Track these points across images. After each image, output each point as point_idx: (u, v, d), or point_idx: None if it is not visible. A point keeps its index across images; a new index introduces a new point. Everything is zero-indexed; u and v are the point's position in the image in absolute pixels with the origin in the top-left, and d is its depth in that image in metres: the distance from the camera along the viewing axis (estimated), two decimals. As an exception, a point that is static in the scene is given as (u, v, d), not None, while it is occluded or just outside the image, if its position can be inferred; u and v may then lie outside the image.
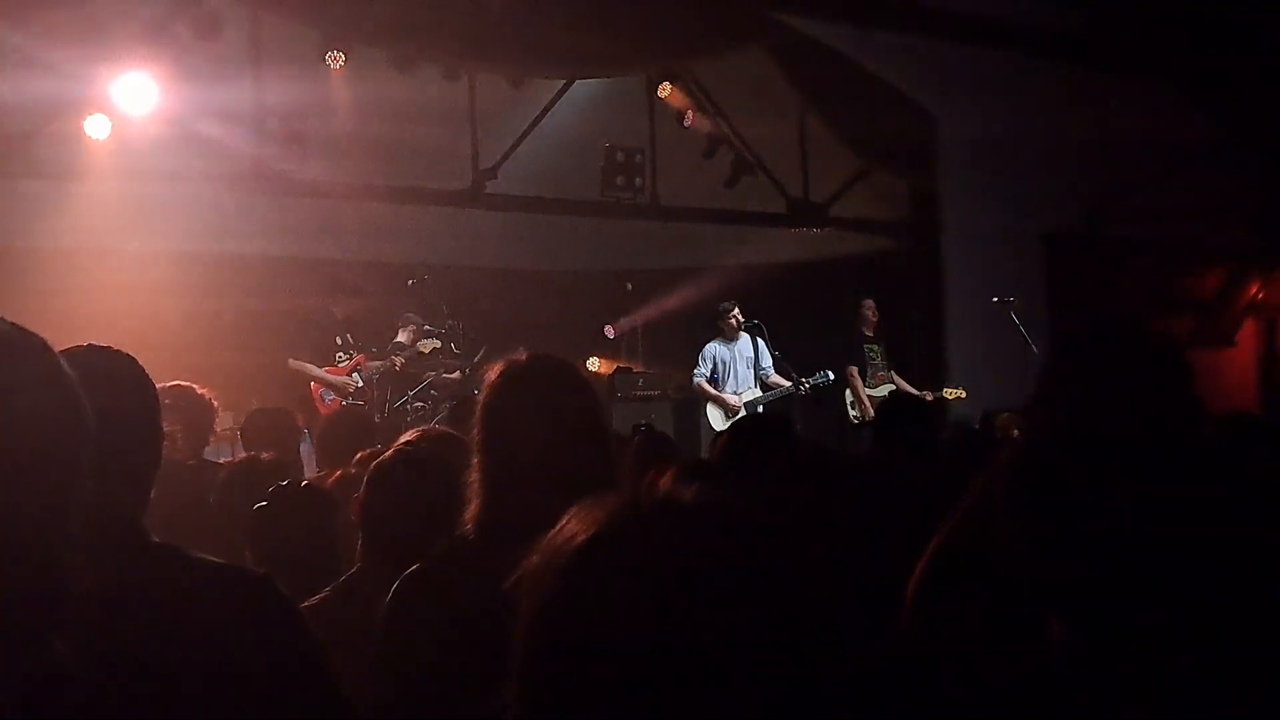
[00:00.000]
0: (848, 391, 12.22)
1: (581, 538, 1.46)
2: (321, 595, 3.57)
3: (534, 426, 2.84)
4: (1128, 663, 1.92)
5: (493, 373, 2.95)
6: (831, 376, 12.16)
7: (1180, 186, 13.29)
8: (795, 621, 1.43)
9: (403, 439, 4.21)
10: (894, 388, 12.23)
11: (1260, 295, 15.90)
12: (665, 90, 12.25)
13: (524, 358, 2.96)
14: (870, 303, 12.48)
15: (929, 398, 11.98)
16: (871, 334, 12.51)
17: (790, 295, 13.20)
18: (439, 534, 3.42)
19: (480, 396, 2.93)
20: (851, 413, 12.21)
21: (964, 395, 12.06)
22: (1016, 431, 6.30)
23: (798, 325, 12.74)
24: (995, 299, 11.50)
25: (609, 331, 14.26)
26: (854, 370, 12.20)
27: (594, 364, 13.86)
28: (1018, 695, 2.04)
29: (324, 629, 2.65)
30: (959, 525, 2.81)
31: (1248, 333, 16.06)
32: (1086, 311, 13.46)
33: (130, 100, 9.90)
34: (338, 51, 10.54)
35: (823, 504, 3.84)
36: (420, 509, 3.69)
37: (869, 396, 12.11)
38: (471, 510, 2.89)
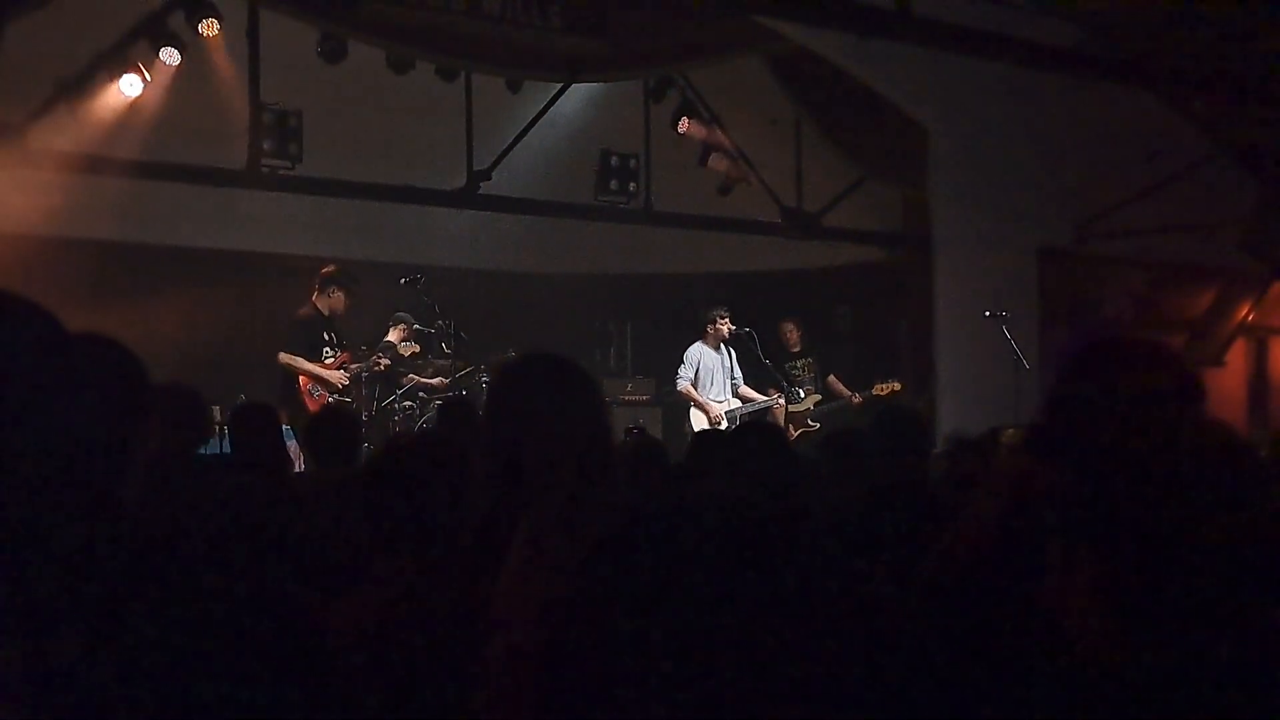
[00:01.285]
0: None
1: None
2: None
3: (540, 422, 2.86)
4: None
5: (499, 369, 2.99)
6: (803, 395, 12.26)
7: (1173, 204, 13.35)
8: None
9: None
10: (819, 399, 12.37)
11: (1251, 316, 15.96)
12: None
13: (529, 355, 3.01)
14: (791, 325, 12.64)
15: (857, 399, 12.09)
16: (797, 350, 12.64)
17: (782, 303, 13.24)
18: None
19: (487, 392, 2.97)
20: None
21: (899, 388, 12.16)
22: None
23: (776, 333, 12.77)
24: (987, 313, 11.53)
25: (598, 331, 14.21)
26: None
27: None
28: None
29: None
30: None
31: (1238, 353, 16.12)
32: (1078, 327, 13.52)
33: (122, 91, 9.94)
34: (336, 47, 10.59)
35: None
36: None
37: (796, 410, 12.22)
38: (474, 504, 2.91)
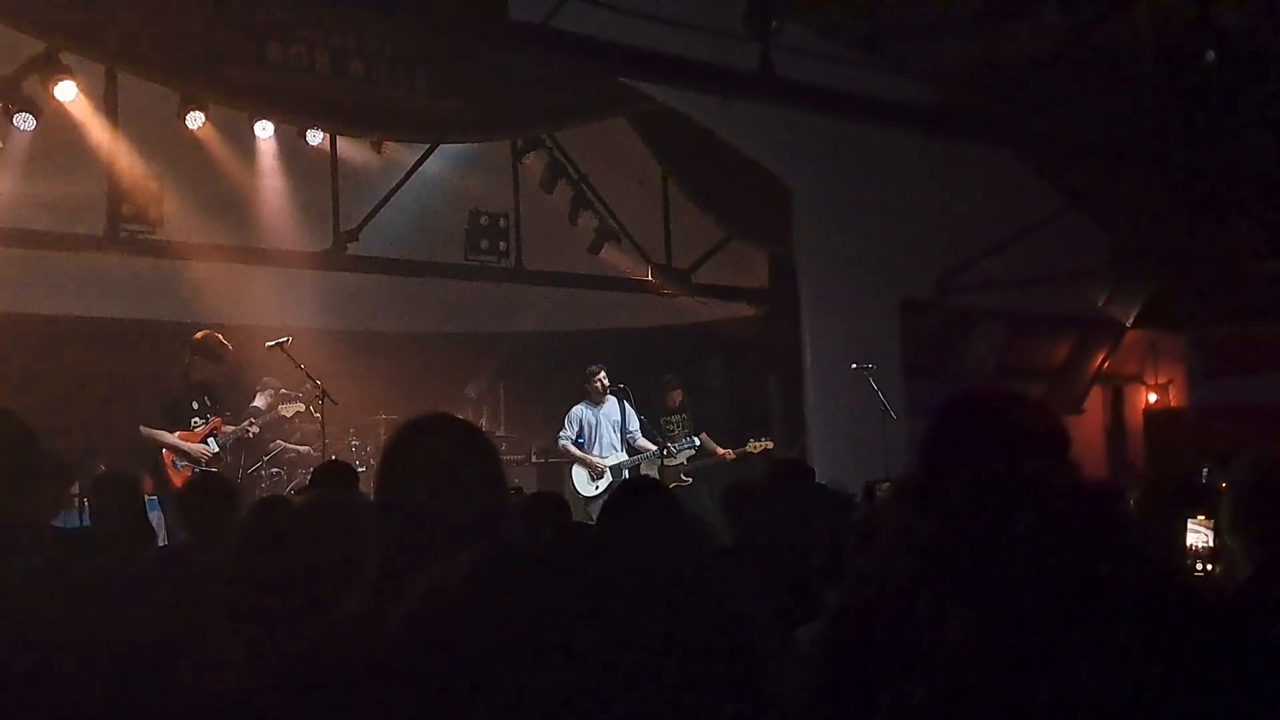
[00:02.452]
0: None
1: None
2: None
3: (434, 481, 2.86)
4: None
5: (395, 429, 3.00)
6: (698, 442, 12.35)
7: (1030, 257, 13.73)
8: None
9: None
10: (692, 454, 12.48)
11: (1107, 364, 16.44)
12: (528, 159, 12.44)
13: (424, 416, 3.01)
14: (678, 392, 12.79)
15: (730, 456, 12.27)
16: (675, 407, 12.80)
17: (655, 359, 13.34)
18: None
19: (382, 451, 2.97)
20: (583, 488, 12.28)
21: (771, 446, 12.36)
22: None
23: (660, 387, 12.88)
24: (854, 365, 11.76)
25: (469, 393, 14.25)
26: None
27: None
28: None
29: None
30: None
31: (1095, 400, 16.58)
32: (941, 377, 13.81)
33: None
34: (197, 111, 10.48)
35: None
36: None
37: (670, 465, 12.37)
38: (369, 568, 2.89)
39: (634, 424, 12.30)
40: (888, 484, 7.75)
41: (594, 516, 10.44)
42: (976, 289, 14.02)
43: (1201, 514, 5.18)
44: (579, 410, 12.32)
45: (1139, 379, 17.22)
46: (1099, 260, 15.05)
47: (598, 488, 12.03)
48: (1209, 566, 5.39)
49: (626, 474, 11.94)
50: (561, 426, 12.30)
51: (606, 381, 12.17)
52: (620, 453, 12.28)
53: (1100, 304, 15.63)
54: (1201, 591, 2.43)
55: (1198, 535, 5.36)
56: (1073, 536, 2.45)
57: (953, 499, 2.54)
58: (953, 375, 14.19)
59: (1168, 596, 2.38)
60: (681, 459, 12.47)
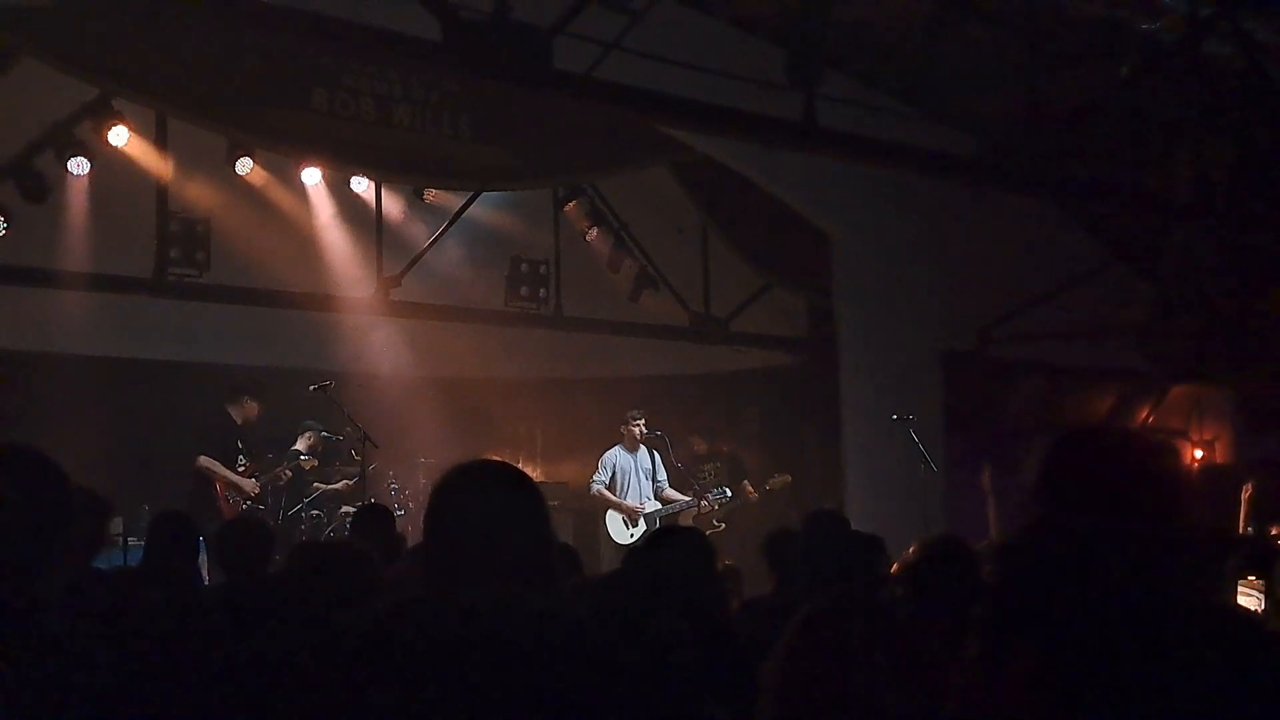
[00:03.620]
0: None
1: None
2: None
3: (480, 524, 2.87)
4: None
5: (442, 475, 2.99)
6: (729, 493, 12.33)
7: (1073, 308, 13.66)
8: None
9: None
10: (725, 500, 12.49)
11: (1151, 418, 16.27)
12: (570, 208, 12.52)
13: (472, 461, 3.02)
14: (696, 437, 13.02)
15: (753, 495, 12.49)
16: (703, 454, 12.96)
17: (692, 406, 13.36)
18: None
19: (430, 496, 2.96)
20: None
21: (789, 480, 12.57)
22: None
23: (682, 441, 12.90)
24: (894, 416, 11.70)
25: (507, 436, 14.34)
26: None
27: None
28: None
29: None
30: None
31: (1138, 454, 16.38)
32: (980, 430, 13.74)
33: (29, 199, 9.90)
34: (246, 157, 10.64)
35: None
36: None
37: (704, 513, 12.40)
38: None
39: (663, 474, 12.36)
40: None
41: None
42: (1019, 341, 13.95)
43: (1253, 574, 5.10)
44: (613, 455, 12.31)
45: (1184, 434, 17.03)
46: (1143, 313, 14.96)
47: (633, 535, 12.02)
48: (1263, 628, 5.30)
49: (659, 522, 11.96)
50: (595, 471, 12.31)
51: (644, 429, 12.19)
52: (653, 500, 12.30)
53: (1144, 358, 15.50)
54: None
55: (1249, 597, 5.27)
56: (1155, 588, 2.44)
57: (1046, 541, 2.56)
58: (993, 428, 14.11)
59: (1249, 654, 2.36)
60: (714, 506, 12.52)
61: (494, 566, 2.81)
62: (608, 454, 12.33)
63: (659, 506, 12.25)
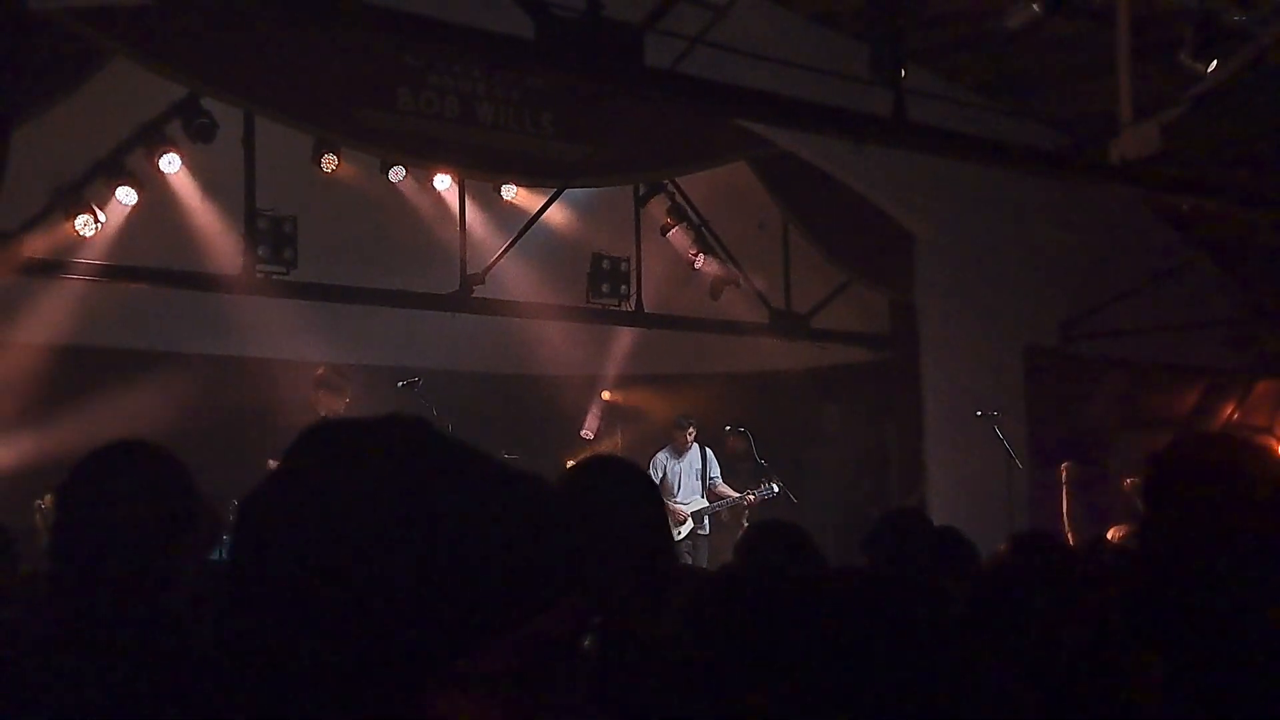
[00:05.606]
0: None
1: None
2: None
3: (609, 526, 2.86)
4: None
5: (566, 472, 3.07)
6: (776, 489, 12.40)
7: (1157, 304, 13.50)
8: None
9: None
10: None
11: (1236, 415, 16.04)
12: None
13: (594, 458, 3.08)
14: (733, 437, 13.06)
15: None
16: (738, 455, 13.16)
17: (772, 403, 13.34)
18: None
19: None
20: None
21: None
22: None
23: (777, 432, 12.89)
24: (979, 412, 11.61)
25: (586, 433, 14.36)
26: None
27: None
28: None
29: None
30: None
31: (1223, 452, 16.16)
32: (1064, 426, 13.59)
33: (119, 199, 10.03)
34: (331, 154, 10.72)
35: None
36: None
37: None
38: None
39: (715, 470, 12.71)
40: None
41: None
42: (1102, 337, 13.79)
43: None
44: (661, 458, 12.69)
45: (1269, 431, 16.76)
46: (1228, 309, 14.74)
47: (680, 534, 12.28)
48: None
49: (707, 520, 12.42)
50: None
51: (694, 435, 12.56)
52: (701, 499, 12.59)
53: (1229, 354, 15.28)
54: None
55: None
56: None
57: (1169, 550, 2.53)
58: (1077, 424, 13.96)
59: None
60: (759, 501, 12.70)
61: (618, 566, 2.82)
62: (657, 456, 12.70)
63: (704, 504, 12.56)
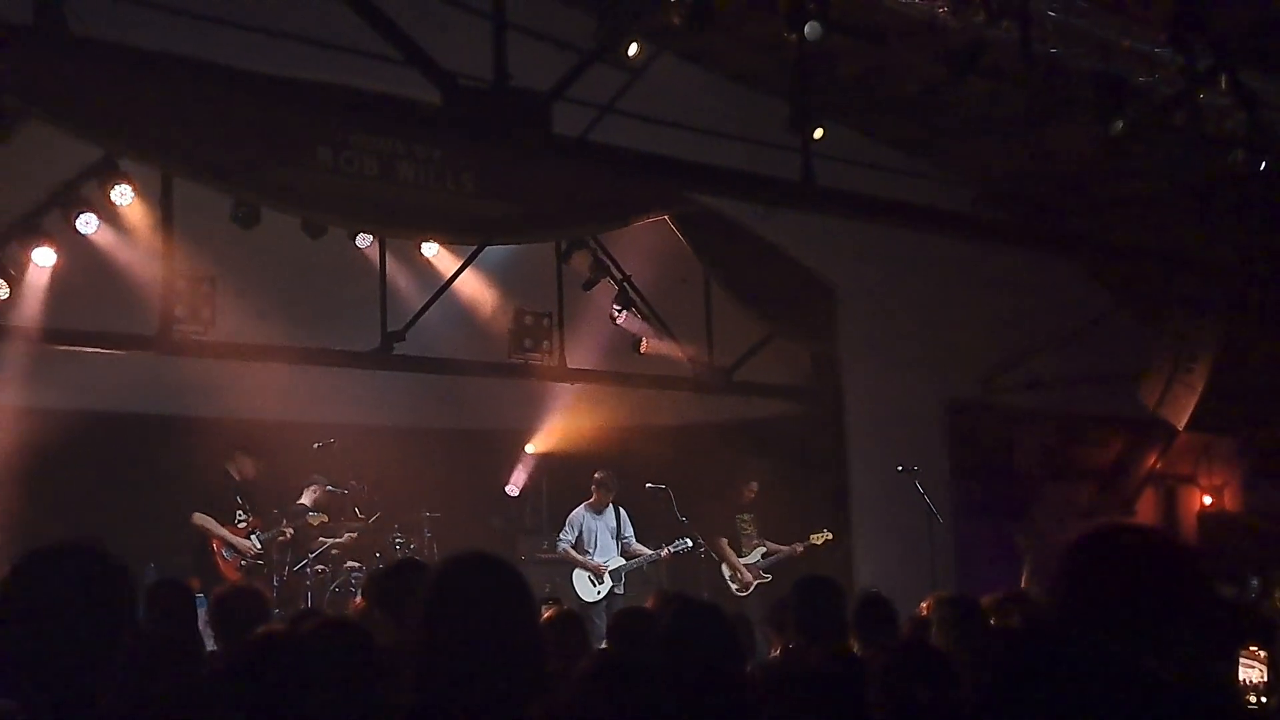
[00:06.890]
0: (723, 565, 12.82)
1: None
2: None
3: (478, 629, 2.95)
4: None
5: (436, 571, 3.13)
6: (690, 544, 12.45)
7: (1079, 356, 13.66)
8: None
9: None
10: (765, 550, 12.96)
11: (1159, 465, 16.23)
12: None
13: (464, 555, 3.12)
14: (753, 484, 13.13)
15: (799, 550, 12.76)
16: (747, 503, 13.16)
17: (698, 456, 13.36)
18: None
19: (425, 591, 3.05)
20: (731, 586, 12.76)
21: (831, 537, 12.74)
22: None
23: (695, 486, 12.91)
24: (900, 467, 11.71)
25: (511, 489, 14.35)
26: (724, 542, 12.87)
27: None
28: None
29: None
30: None
31: (1147, 502, 16.36)
32: (988, 478, 13.72)
33: (35, 261, 9.96)
34: (250, 215, 10.68)
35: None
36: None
37: (744, 564, 12.82)
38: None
39: (628, 530, 12.66)
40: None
41: (595, 620, 10.68)
42: (1024, 388, 13.94)
43: (1254, 644, 5.04)
44: (579, 514, 12.64)
45: (1192, 480, 16.98)
46: (1149, 360, 14.93)
47: (599, 592, 12.35)
48: (1264, 700, 5.23)
49: (623, 578, 12.40)
50: (562, 528, 12.49)
51: (612, 493, 12.54)
52: (619, 557, 12.56)
53: (1151, 405, 15.46)
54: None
55: (1251, 669, 5.21)
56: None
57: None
58: (1001, 475, 14.08)
59: None
60: (756, 557, 12.92)
61: (489, 666, 2.89)
62: (574, 513, 12.66)
63: (622, 562, 12.50)
